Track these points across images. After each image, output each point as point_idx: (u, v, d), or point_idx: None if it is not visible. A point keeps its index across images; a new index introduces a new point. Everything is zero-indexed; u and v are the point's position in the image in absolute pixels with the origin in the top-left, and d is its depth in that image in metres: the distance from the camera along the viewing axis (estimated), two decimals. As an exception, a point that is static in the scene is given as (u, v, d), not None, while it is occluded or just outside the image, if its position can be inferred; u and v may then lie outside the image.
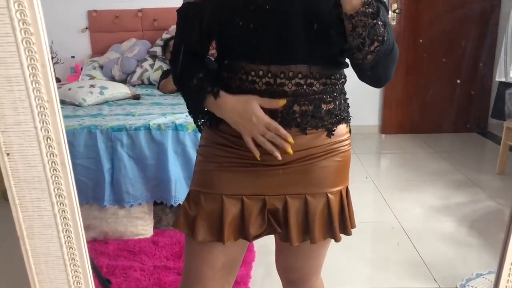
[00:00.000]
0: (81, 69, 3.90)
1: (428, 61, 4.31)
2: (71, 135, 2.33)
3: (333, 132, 1.06)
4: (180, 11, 1.08)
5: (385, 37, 0.88)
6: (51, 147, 0.47)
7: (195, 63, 1.08)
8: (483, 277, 2.10)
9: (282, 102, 0.99)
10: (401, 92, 4.37)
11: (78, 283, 0.55)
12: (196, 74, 1.04)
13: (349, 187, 1.15)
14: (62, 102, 2.99)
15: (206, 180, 1.08)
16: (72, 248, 0.53)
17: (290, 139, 0.99)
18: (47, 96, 0.45)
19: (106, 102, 3.04)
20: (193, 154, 2.37)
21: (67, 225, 0.52)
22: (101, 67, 3.81)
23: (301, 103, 1.00)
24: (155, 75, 3.71)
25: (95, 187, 2.37)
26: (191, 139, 2.36)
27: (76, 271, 0.54)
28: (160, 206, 2.53)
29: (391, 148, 4.27)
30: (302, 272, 1.24)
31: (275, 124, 0.98)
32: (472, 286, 2.03)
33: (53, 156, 0.48)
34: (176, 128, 2.36)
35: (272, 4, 0.95)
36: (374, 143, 4.41)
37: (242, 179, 1.06)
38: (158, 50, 3.81)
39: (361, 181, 3.32)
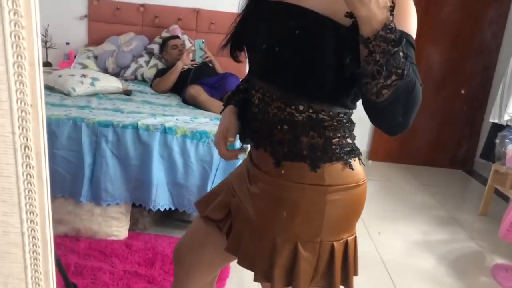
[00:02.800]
0: (75, 56, 3.80)
1: (422, 93, 4.32)
2: (55, 124, 2.24)
3: (280, 166, 0.98)
4: None
5: (405, 71, 0.77)
6: (29, 157, 0.41)
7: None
8: (458, 321, 2.07)
9: (231, 140, 1.12)
10: (393, 120, 4.36)
11: (40, 311, 0.48)
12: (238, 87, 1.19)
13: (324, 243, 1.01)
14: (51, 89, 2.90)
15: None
16: (37, 272, 0.47)
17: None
18: (31, 100, 0.39)
19: (95, 94, 2.96)
20: (179, 160, 2.30)
21: (36, 246, 0.46)
22: (96, 57, 3.72)
23: (258, 119, 1.02)
24: (149, 72, 3.63)
25: (73, 181, 2.28)
26: (178, 144, 2.29)
27: (40, 297, 0.48)
28: (138, 208, 2.45)
29: (376, 175, 4.24)
30: None
31: (217, 144, 1.14)
32: (446, 329, 1.99)
33: (30, 167, 0.42)
34: (165, 131, 2.29)
35: (264, 23, 0.99)
36: (361, 168, 4.38)
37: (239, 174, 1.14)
38: (155, 47, 3.74)
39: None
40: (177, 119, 2.45)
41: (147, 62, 3.70)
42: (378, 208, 3.35)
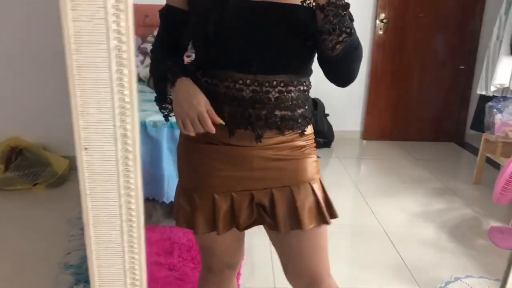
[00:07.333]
0: (70, 61, 3.87)
1: (411, 71, 4.46)
2: (67, 128, 2.34)
3: (305, 132, 1.18)
4: (162, 14, 1.18)
5: (352, 30, 1.00)
6: (127, 144, 0.52)
7: (169, 56, 1.16)
8: (461, 281, 2.21)
9: (220, 121, 1.07)
10: (384, 99, 4.50)
11: (133, 269, 0.60)
12: (165, 63, 1.13)
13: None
14: (54, 94, 2.98)
15: (197, 180, 1.18)
16: (132, 237, 0.58)
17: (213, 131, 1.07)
18: (129, 99, 0.50)
19: (97, 96, 3.05)
20: (187, 152, 2.41)
21: (131, 215, 0.57)
22: (91, 61, 3.80)
23: (281, 108, 1.12)
24: (145, 72, 3.72)
25: (87, 181, 2.39)
26: (186, 137, 2.40)
27: (133, 257, 0.59)
28: (151, 202, 2.56)
29: (372, 154, 4.39)
30: (311, 270, 1.28)
31: (205, 117, 1.05)
32: (451, 289, 2.14)
33: (127, 152, 0.53)
34: (172, 126, 2.39)
35: (255, 20, 1.06)
36: (356, 149, 4.52)
37: (231, 177, 1.15)
38: (148, 46, 3.82)
39: (343, 185, 3.42)
40: (181, 114, 2.56)
41: (142, 62, 3.79)
42: (376, 185, 3.50)
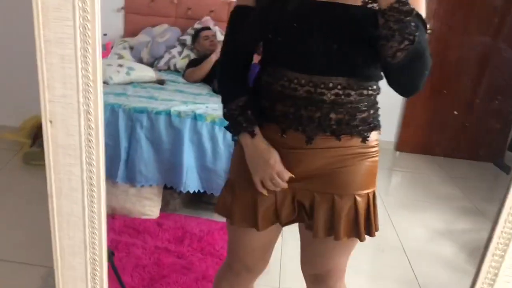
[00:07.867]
0: (112, 47, 3.99)
1: (453, 85, 4.31)
2: (95, 110, 2.42)
3: (367, 139, 1.12)
4: (232, 14, 1.16)
5: (416, 38, 0.90)
6: (89, 120, 0.54)
7: (237, 81, 1.18)
8: (473, 305, 2.13)
9: (290, 175, 1.12)
10: (421, 112, 4.38)
11: (93, 243, 0.61)
12: (237, 98, 1.14)
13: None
14: (90, 77, 3.08)
15: (242, 172, 1.18)
16: (92, 212, 0.60)
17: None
18: (92, 76, 0.51)
19: (131, 82, 3.12)
20: (207, 145, 2.44)
21: (92, 191, 0.58)
22: (131, 48, 3.89)
23: (338, 112, 1.08)
24: (181, 63, 3.78)
25: (110, 163, 2.45)
26: (208, 129, 2.43)
27: (93, 232, 0.61)
28: (169, 190, 2.60)
29: (403, 166, 4.28)
30: (326, 268, 1.29)
31: (286, 173, 1.12)
32: (461, 312, 2.06)
33: (90, 128, 0.54)
34: (195, 117, 2.42)
35: (313, 19, 1.04)
36: (388, 159, 4.42)
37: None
38: (188, 38, 3.88)
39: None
40: (207, 107, 2.59)
41: (180, 53, 3.84)
42: (402, 198, 3.42)
